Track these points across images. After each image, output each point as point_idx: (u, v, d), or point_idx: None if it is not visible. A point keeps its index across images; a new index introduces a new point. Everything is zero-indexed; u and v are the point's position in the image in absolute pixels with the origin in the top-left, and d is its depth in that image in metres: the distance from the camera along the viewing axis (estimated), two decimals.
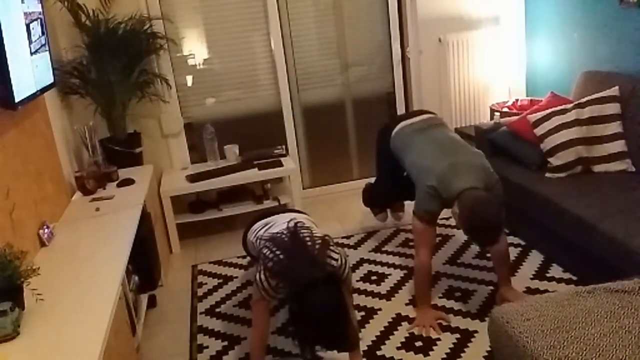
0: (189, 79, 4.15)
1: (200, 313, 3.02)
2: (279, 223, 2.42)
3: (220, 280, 3.35)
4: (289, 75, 4.24)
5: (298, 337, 2.03)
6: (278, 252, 2.13)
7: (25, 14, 2.52)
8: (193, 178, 3.82)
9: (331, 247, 2.19)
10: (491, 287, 2.93)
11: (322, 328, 1.96)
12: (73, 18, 3.52)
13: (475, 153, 2.73)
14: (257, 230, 2.51)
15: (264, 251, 2.20)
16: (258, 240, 2.40)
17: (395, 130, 3.03)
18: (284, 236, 2.21)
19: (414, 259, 2.72)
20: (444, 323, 2.67)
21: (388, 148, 3.06)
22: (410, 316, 2.76)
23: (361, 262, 3.38)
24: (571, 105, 3.21)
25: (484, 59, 4.27)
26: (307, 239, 2.18)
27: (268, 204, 3.94)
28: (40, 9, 2.77)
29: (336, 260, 2.17)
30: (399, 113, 4.46)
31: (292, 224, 2.29)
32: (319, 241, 2.18)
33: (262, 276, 2.16)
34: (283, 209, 3.00)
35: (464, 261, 3.23)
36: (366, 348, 2.55)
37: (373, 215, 3.78)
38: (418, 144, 2.83)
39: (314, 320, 1.96)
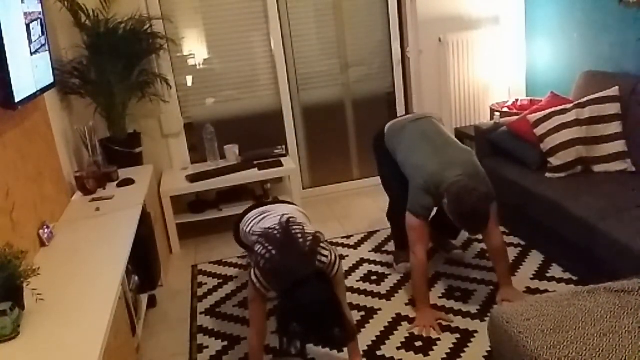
0: (189, 79, 4.15)
1: (200, 313, 3.02)
2: (272, 216, 2.43)
3: (220, 280, 3.35)
4: (289, 75, 4.24)
5: (286, 332, 2.05)
6: (270, 248, 2.15)
7: (25, 14, 2.52)
8: (193, 178, 3.82)
9: (322, 245, 2.21)
10: (491, 287, 2.93)
11: (311, 324, 1.98)
12: (73, 18, 3.52)
13: (464, 149, 2.79)
14: (250, 221, 2.52)
15: (257, 247, 2.21)
16: (251, 232, 2.42)
17: (387, 127, 3.05)
18: (275, 232, 2.22)
19: (410, 257, 2.74)
20: (444, 323, 2.67)
21: (387, 151, 3.04)
22: (410, 316, 2.76)
23: (361, 262, 3.37)
24: (571, 105, 3.21)
25: (484, 59, 4.27)
26: (299, 235, 2.19)
27: None
28: (40, 9, 2.77)
29: (326, 257, 2.19)
30: (398, 113, 4.47)
31: (284, 219, 2.30)
32: (310, 238, 2.19)
33: (257, 272, 2.19)
34: (276, 200, 2.98)
35: (464, 261, 3.23)
36: (366, 348, 2.55)
37: (395, 263, 3.28)
38: (410, 138, 2.87)
39: (302, 316, 1.98)
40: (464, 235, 3.50)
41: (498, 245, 2.73)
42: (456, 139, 2.88)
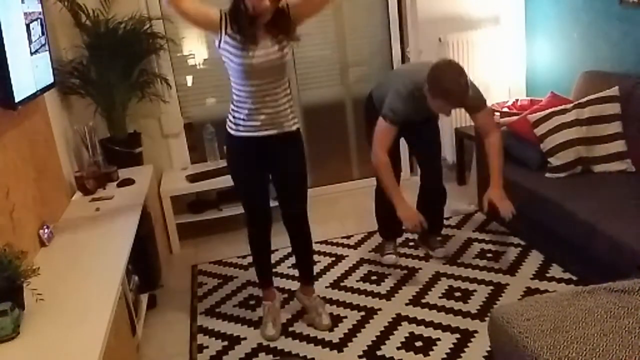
0: (189, 79, 4.15)
1: (200, 313, 3.02)
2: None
3: (220, 280, 3.35)
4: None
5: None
6: None
7: (25, 14, 2.52)
8: (193, 178, 3.82)
9: None
10: (491, 287, 2.93)
11: None
12: (73, 18, 3.52)
13: None
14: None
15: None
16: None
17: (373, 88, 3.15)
18: None
19: (372, 158, 2.89)
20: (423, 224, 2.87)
21: (377, 113, 3.00)
22: (410, 316, 2.76)
23: (361, 262, 3.37)
24: (571, 105, 3.21)
25: (484, 59, 4.26)
26: None
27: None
28: (40, 9, 2.77)
29: None
30: None
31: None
32: None
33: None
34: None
35: (464, 261, 3.23)
36: (366, 348, 2.55)
37: (380, 254, 3.34)
38: (392, 73, 3.13)
39: None
40: (461, 238, 3.51)
41: (495, 141, 2.88)
42: None
